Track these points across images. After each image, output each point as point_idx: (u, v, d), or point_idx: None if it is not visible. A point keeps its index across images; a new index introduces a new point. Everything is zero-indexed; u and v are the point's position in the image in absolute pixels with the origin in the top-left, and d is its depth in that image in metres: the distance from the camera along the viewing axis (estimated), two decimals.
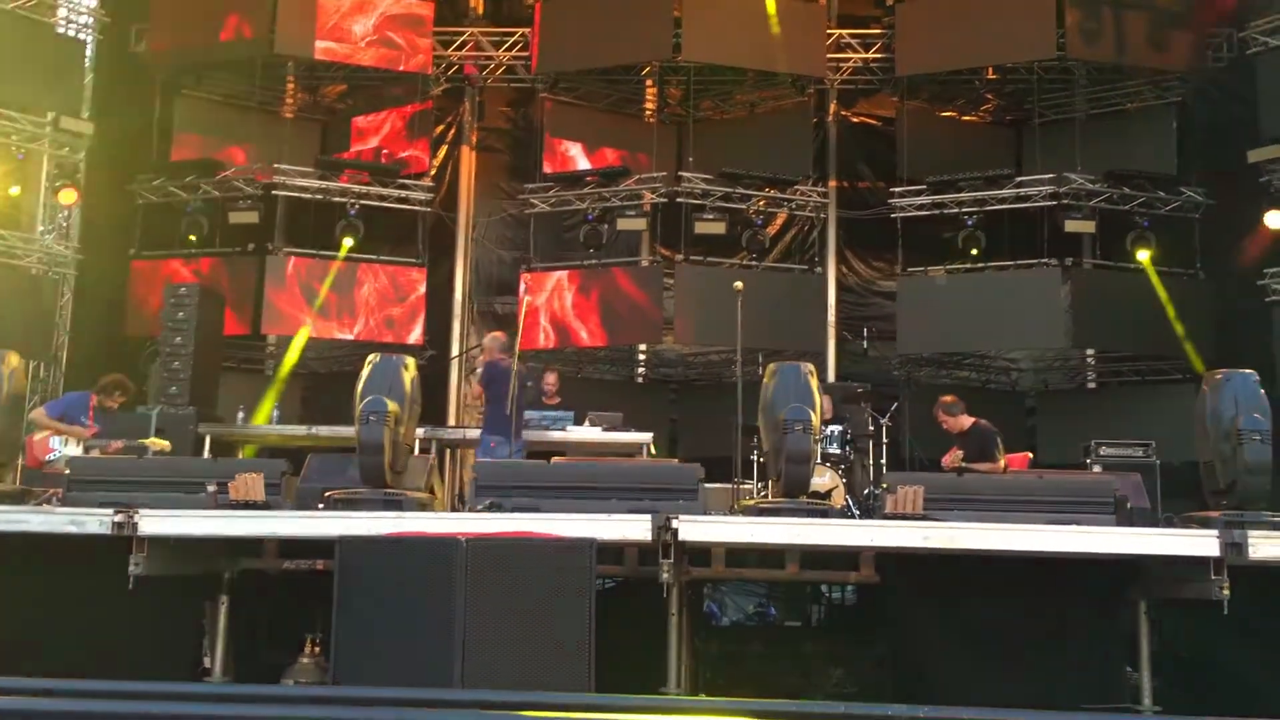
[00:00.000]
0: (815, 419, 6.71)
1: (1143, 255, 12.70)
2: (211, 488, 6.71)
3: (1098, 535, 6.12)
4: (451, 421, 13.02)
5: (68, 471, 7.27)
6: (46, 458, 8.65)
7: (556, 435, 10.37)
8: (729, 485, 9.05)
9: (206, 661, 6.86)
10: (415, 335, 13.48)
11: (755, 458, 9.67)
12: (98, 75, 13.27)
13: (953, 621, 6.77)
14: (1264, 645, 6.42)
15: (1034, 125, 13.70)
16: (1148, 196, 12.87)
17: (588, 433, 10.38)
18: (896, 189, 13.35)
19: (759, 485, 9.58)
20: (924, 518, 6.42)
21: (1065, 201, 12.87)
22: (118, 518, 6.11)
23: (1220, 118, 12.84)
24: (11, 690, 4.11)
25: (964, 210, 13.05)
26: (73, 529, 6.20)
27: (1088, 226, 12.87)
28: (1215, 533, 5.77)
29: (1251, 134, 12.03)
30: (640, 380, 14.39)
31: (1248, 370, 6.57)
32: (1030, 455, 11.03)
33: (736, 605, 10.27)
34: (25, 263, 12.46)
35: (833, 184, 14.07)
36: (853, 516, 8.52)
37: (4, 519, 6.28)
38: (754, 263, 13.75)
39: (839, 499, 9.39)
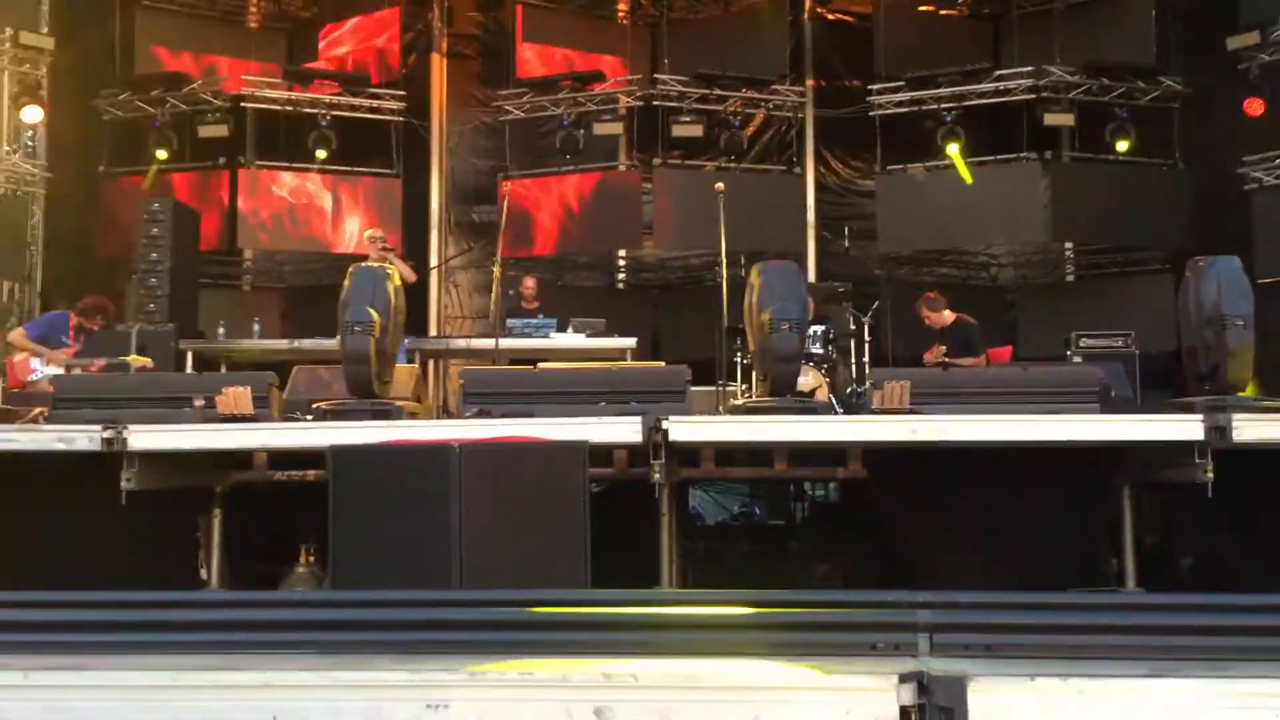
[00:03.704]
0: (802, 317, 6.74)
1: (1122, 146, 12.68)
2: (199, 402, 6.69)
3: (1085, 423, 6.18)
4: (433, 331, 12.97)
5: (52, 390, 7.25)
6: (29, 378, 8.60)
7: (540, 342, 10.37)
8: (713, 388, 9.13)
9: (203, 574, 6.91)
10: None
11: (739, 360, 9.70)
12: None
13: (939, 513, 6.88)
14: (1243, 528, 6.54)
15: (1012, 18, 13.50)
16: (1127, 87, 12.76)
17: (571, 339, 10.39)
18: (874, 86, 13.18)
19: (744, 387, 9.62)
20: (911, 412, 6.48)
21: (1044, 95, 12.75)
22: (107, 433, 6.08)
23: (1198, 5, 12.69)
24: (13, 603, 4.13)
25: (943, 106, 12.92)
26: (61, 446, 6.17)
27: (1067, 119, 12.76)
28: (1200, 417, 5.83)
29: (1230, 21, 11.93)
30: (621, 286, 14.34)
31: (1230, 256, 6.58)
32: (1011, 349, 11.13)
33: (721, 506, 10.38)
34: None
35: (810, 83, 13.83)
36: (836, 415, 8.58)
37: None
38: (732, 164, 13.63)
39: (822, 398, 9.45)
